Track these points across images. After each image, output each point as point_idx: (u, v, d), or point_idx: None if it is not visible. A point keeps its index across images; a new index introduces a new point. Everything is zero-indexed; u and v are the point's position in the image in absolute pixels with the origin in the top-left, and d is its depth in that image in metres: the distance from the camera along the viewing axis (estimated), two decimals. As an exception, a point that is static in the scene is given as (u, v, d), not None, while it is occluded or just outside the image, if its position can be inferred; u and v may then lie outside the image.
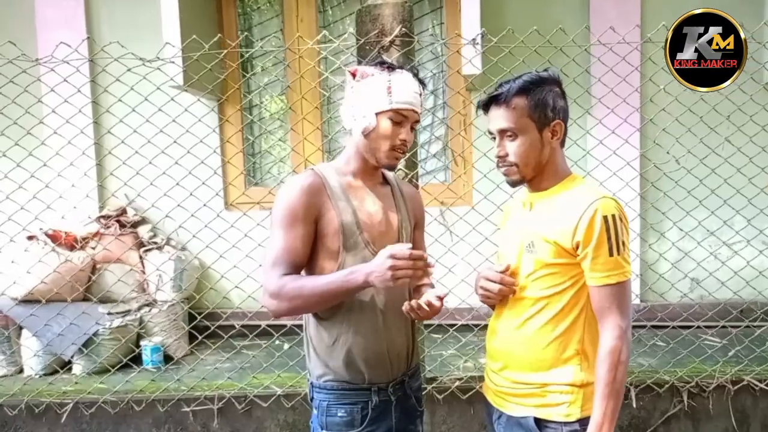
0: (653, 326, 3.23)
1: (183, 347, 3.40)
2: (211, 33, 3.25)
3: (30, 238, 3.28)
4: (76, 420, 2.75)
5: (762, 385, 2.78)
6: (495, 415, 1.64)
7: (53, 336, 3.01)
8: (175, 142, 2.79)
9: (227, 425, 2.77)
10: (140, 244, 3.59)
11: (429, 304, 1.46)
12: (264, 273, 1.52)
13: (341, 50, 3.04)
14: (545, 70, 1.57)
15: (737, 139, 2.96)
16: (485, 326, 1.73)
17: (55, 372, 3.10)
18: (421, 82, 1.62)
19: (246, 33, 3.90)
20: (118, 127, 2.93)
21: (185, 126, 2.82)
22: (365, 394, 1.59)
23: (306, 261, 1.56)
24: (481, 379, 1.78)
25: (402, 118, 1.56)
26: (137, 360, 3.14)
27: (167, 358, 3.29)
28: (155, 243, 3.60)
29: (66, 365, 3.15)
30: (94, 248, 3.44)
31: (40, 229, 3.28)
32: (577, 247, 1.46)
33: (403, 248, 1.39)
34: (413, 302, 1.48)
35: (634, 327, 1.68)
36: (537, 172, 1.57)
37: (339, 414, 1.58)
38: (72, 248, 3.36)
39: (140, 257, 3.58)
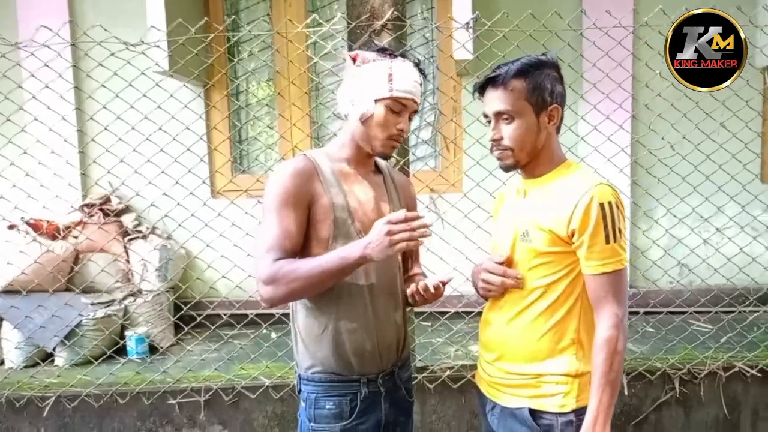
0: (645, 312, 3.21)
1: (169, 337, 3.35)
2: (197, 17, 3.17)
3: (11, 227, 3.20)
4: (58, 414, 2.69)
5: (753, 372, 2.78)
6: (488, 406, 1.62)
7: (35, 327, 2.94)
8: (160, 128, 2.72)
9: (214, 417, 2.73)
10: (125, 233, 3.52)
11: (436, 287, 1.45)
12: (257, 260, 1.47)
13: (331, 34, 2.97)
14: (543, 53, 1.54)
15: (732, 125, 2.93)
16: (477, 314, 1.70)
17: (37, 364, 3.02)
18: (422, 72, 1.59)
19: (233, 17, 3.82)
20: (102, 113, 2.84)
21: (171, 112, 2.74)
22: (354, 386, 1.56)
23: (300, 247, 1.51)
24: (473, 367, 1.75)
25: (401, 106, 1.53)
26: (122, 351, 3.09)
27: (152, 349, 3.24)
28: (140, 232, 3.53)
29: (48, 357, 3.09)
30: (76, 237, 3.37)
31: (21, 218, 3.21)
32: (573, 235, 1.43)
33: (399, 213, 1.37)
34: (420, 284, 1.46)
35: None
36: (532, 158, 1.53)
37: (327, 406, 1.56)
38: (54, 238, 3.29)
39: (125, 247, 3.51)
